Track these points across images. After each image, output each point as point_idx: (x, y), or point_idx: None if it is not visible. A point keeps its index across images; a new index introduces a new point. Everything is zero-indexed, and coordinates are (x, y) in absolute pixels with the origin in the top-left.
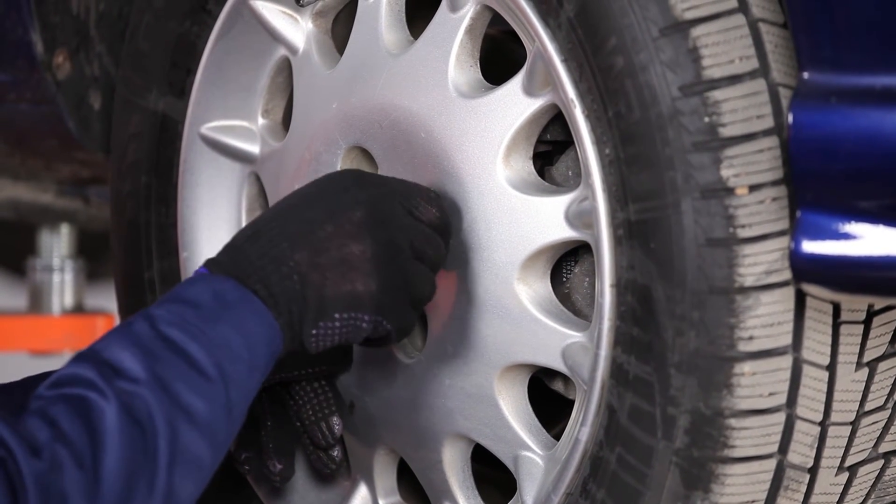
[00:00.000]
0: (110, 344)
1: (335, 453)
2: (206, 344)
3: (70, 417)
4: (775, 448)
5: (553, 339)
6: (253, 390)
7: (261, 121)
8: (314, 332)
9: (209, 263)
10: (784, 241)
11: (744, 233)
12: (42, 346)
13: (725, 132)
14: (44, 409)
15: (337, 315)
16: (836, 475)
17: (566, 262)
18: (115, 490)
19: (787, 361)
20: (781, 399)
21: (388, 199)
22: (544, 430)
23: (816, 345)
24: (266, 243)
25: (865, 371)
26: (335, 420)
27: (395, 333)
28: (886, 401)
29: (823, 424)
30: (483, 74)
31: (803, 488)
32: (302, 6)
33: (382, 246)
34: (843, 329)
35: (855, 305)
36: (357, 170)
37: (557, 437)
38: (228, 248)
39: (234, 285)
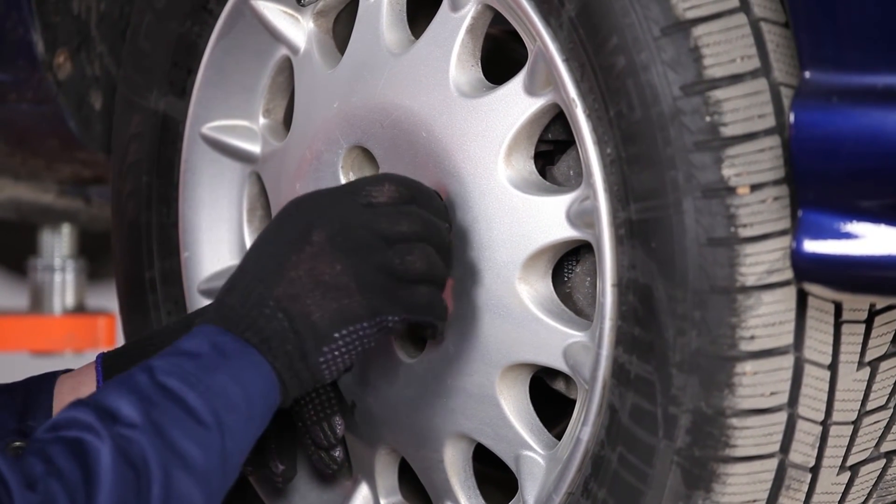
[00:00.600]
0: (110, 392)
1: (337, 453)
2: (203, 392)
3: (65, 456)
4: (777, 447)
5: (554, 339)
6: (249, 442)
7: (262, 120)
8: (321, 359)
9: (200, 322)
10: (785, 241)
11: (745, 232)
12: (43, 346)
13: (727, 131)
14: (41, 448)
15: (336, 335)
16: (837, 474)
17: (567, 262)
18: None
19: (788, 361)
20: (783, 398)
21: (336, 204)
22: (546, 430)
23: (818, 344)
24: (243, 291)
25: (867, 370)
26: (337, 420)
27: (423, 317)
28: (888, 400)
29: (825, 424)
30: (484, 74)
31: (805, 488)
32: (303, 6)
33: (348, 252)
34: (845, 328)
35: (856, 305)
36: (299, 196)
37: (559, 436)
38: (213, 307)
39: (231, 338)
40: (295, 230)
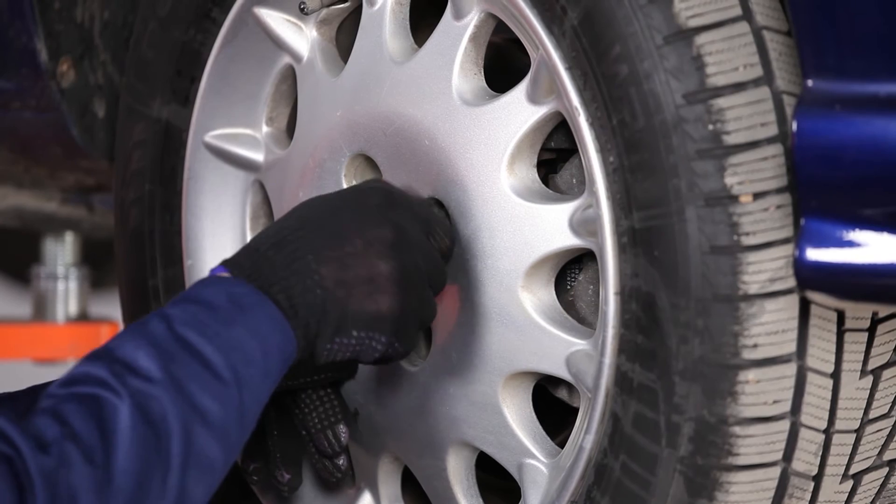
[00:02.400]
0: (124, 342)
1: (340, 462)
2: (221, 346)
3: (81, 415)
4: (780, 456)
5: (557, 347)
6: (265, 396)
7: (265, 129)
8: (328, 346)
9: (229, 264)
10: (788, 249)
11: (748, 240)
12: (46, 355)
13: (729, 140)
14: (54, 406)
15: (355, 332)
16: (840, 483)
17: (570, 270)
18: (128, 488)
19: (791, 369)
20: (786, 407)
21: (414, 222)
22: (548, 438)
23: (821, 352)
24: (291, 253)
25: (870, 379)
26: (341, 428)
27: (402, 359)
28: (891, 408)
29: (828, 432)
30: (487, 82)
31: (808, 496)
32: (306, 14)
33: (408, 269)
34: (848, 337)
35: (859, 313)
36: (385, 186)
37: (562, 445)
38: (251, 252)
39: (250, 290)
40: (367, 218)
